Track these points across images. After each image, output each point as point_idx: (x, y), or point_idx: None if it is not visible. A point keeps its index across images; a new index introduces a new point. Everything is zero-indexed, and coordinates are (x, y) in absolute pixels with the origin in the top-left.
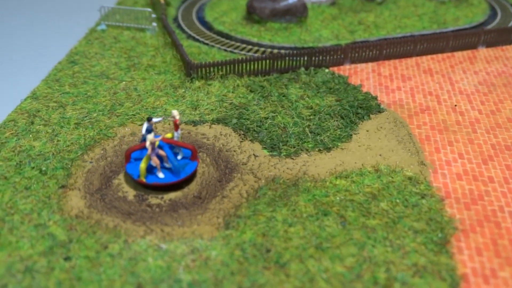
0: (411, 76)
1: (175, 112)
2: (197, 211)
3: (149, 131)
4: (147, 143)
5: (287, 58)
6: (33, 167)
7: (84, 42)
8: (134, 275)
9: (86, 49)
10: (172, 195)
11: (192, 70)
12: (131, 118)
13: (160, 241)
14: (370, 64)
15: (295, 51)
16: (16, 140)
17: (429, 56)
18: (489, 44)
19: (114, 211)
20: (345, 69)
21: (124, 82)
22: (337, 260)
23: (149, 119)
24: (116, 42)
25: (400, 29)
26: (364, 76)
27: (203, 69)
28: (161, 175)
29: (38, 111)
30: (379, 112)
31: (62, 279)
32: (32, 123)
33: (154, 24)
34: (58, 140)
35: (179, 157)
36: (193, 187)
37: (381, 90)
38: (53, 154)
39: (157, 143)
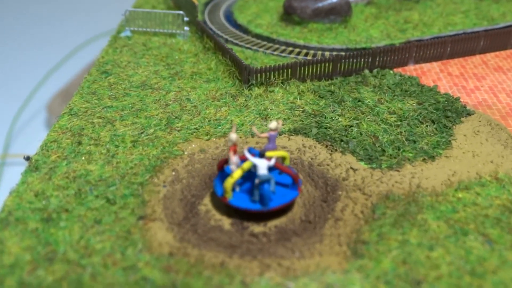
0: (483, 75)
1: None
2: (312, 239)
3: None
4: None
5: (350, 59)
6: (97, 196)
7: (110, 51)
8: None
9: (116, 57)
10: (276, 221)
11: (251, 76)
12: (194, 132)
13: (284, 279)
14: (435, 64)
15: (357, 52)
16: (66, 164)
17: (493, 54)
18: None
19: (213, 245)
20: (410, 70)
21: (173, 93)
22: (502, 287)
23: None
24: (148, 49)
25: (451, 27)
26: (434, 76)
27: (262, 75)
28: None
29: (83, 128)
30: (469, 114)
31: None
32: (80, 143)
33: (187, 28)
34: (117, 162)
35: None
36: (296, 210)
37: (459, 91)
38: (118, 179)
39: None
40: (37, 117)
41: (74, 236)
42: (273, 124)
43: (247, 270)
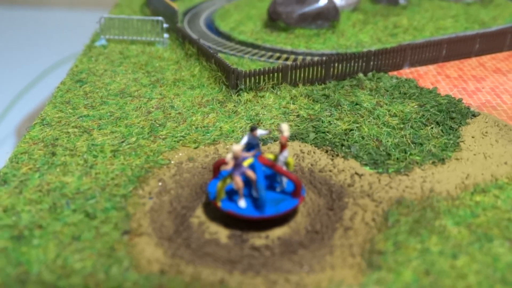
0: (483, 76)
1: (285, 127)
2: (321, 251)
3: (252, 145)
4: (228, 156)
5: (343, 62)
6: (75, 210)
7: (85, 60)
8: None
9: (92, 66)
10: (278, 231)
11: (239, 80)
12: (181, 140)
13: None
14: (431, 67)
15: (350, 55)
16: (39, 177)
17: (489, 56)
18: None
19: (209, 260)
20: (406, 73)
21: (155, 100)
22: None
23: (252, 129)
24: (125, 57)
25: (442, 31)
26: (432, 79)
27: (252, 79)
28: (242, 203)
29: (57, 139)
30: (474, 116)
31: None
32: (54, 154)
33: (166, 35)
34: (96, 173)
35: (277, 189)
36: (300, 220)
37: (460, 93)
38: (98, 191)
39: (249, 161)
40: (6, 142)
41: (49, 255)
42: None
43: None
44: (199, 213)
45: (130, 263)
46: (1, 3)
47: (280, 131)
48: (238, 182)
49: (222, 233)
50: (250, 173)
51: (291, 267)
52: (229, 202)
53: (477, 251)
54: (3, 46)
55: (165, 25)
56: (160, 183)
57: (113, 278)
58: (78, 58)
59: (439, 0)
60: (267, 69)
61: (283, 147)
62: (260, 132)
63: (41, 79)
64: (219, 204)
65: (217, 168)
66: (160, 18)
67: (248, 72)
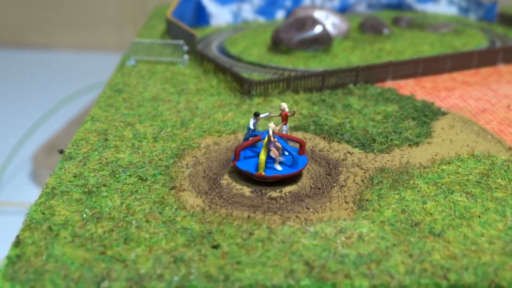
0: (453, 87)
1: (284, 105)
2: (323, 200)
3: (255, 128)
4: (270, 132)
5: (337, 74)
6: (130, 175)
7: (119, 75)
8: (296, 254)
9: (126, 79)
10: (289, 188)
11: (251, 88)
12: (207, 131)
13: (303, 226)
14: (409, 80)
15: (343, 69)
16: (98, 154)
17: (459, 73)
18: (506, 61)
19: (238, 206)
20: (389, 85)
21: (182, 103)
22: (487, 225)
23: (256, 115)
24: (153, 73)
25: (420, 54)
26: (410, 89)
27: (261, 87)
28: (278, 167)
29: (106, 130)
30: (443, 114)
31: (222, 264)
32: (106, 139)
33: (186, 56)
34: (143, 152)
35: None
36: (305, 181)
37: (433, 99)
38: (146, 163)
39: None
40: (23, 169)
41: (115, 202)
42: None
43: (271, 221)
44: (226, 177)
45: (178, 206)
46: (24, 46)
47: (282, 109)
48: (275, 152)
49: (245, 189)
50: (278, 144)
51: (300, 209)
52: (267, 170)
53: (442, 199)
54: (19, 77)
55: (185, 48)
56: (194, 158)
57: (166, 214)
58: (113, 74)
59: (418, 31)
60: (273, 78)
61: (285, 121)
62: (262, 115)
63: (56, 110)
64: (263, 173)
65: (238, 153)
66: (181, 41)
67: (259, 81)
